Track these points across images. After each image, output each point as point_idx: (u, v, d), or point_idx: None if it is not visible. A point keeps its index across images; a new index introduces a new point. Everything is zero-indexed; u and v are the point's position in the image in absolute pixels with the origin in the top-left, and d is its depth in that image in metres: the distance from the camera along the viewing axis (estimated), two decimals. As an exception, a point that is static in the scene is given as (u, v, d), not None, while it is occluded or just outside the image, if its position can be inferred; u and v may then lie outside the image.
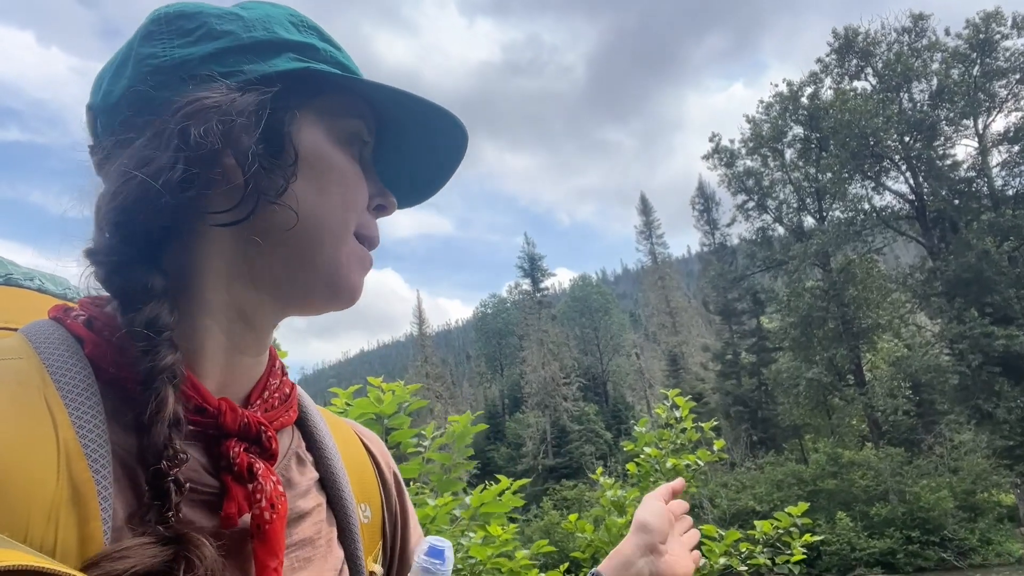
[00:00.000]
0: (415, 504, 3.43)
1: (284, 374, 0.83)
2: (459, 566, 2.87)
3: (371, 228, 0.79)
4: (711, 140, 42.96)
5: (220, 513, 0.65)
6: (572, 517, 4.55)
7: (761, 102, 41.55)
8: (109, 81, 0.72)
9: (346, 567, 0.80)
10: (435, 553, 0.73)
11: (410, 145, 0.84)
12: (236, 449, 0.68)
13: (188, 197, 0.65)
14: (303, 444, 0.83)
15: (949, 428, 32.77)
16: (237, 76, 0.70)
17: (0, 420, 0.57)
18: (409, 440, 3.34)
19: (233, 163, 0.67)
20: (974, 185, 34.73)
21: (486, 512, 3.05)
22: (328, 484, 0.82)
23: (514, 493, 3.39)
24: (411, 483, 3.55)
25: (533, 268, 67.15)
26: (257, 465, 0.68)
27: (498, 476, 3.54)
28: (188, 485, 0.62)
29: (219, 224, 0.68)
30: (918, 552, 26.49)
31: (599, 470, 5.33)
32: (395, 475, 0.95)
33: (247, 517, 0.66)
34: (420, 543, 0.75)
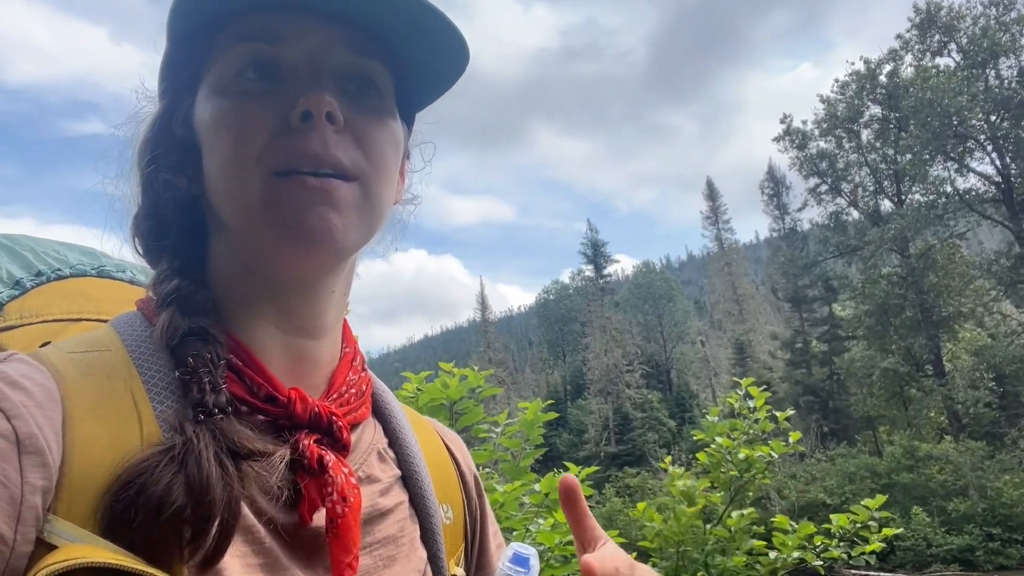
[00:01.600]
0: (485, 490, 3.47)
1: (364, 369, 0.82)
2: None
3: (292, 145, 0.65)
4: (782, 122, 41.65)
5: (297, 511, 0.65)
6: (640, 506, 4.52)
7: (836, 81, 40.04)
8: None
9: (429, 568, 0.78)
10: (520, 561, 0.70)
11: (383, 25, 0.70)
12: (306, 441, 0.66)
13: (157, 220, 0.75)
14: (385, 441, 0.82)
15: (1036, 422, 31.13)
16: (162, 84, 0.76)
17: (88, 412, 0.58)
18: (480, 426, 3.36)
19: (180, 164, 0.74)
20: (1068, 166, 32.69)
21: (556, 499, 3.05)
22: (410, 482, 0.80)
23: (582, 481, 3.38)
24: (481, 468, 3.57)
25: (596, 254, 66.67)
26: (328, 457, 0.66)
27: (565, 463, 3.54)
28: (256, 447, 0.62)
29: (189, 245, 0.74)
30: (999, 550, 25.36)
31: (667, 458, 5.28)
32: (475, 477, 0.93)
33: (322, 512, 0.65)
34: (505, 549, 0.72)
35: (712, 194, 65.10)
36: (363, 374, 0.81)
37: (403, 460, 0.81)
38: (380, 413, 0.84)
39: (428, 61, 0.74)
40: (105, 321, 0.80)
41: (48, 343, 0.72)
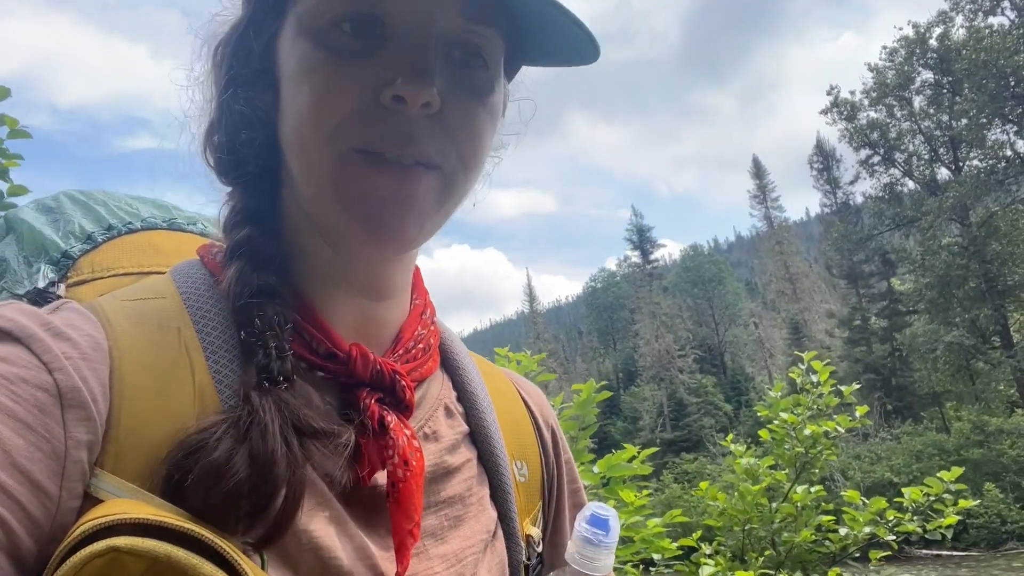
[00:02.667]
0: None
1: (433, 322, 0.79)
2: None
3: (374, 126, 0.60)
4: (829, 93, 40.52)
5: (356, 473, 0.62)
6: (703, 485, 4.46)
7: (884, 48, 38.76)
8: None
9: (499, 528, 0.74)
10: (598, 522, 0.65)
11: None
12: (367, 400, 0.64)
13: (231, 137, 0.68)
14: (453, 395, 0.78)
15: (1115, 391, 29.75)
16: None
17: (137, 364, 0.57)
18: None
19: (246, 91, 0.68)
20: None
21: (614, 476, 3.04)
22: (479, 439, 0.76)
23: (641, 462, 3.36)
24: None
25: (642, 240, 66.01)
26: (389, 418, 0.64)
27: (624, 444, 3.52)
28: (321, 427, 0.58)
29: (261, 173, 0.69)
30: (1081, 526, 24.34)
31: (729, 436, 5.21)
32: (554, 431, 0.88)
33: (383, 474, 0.63)
34: (583, 509, 0.67)
35: (759, 172, 63.75)
36: (432, 327, 0.78)
37: (472, 415, 0.77)
38: (449, 365, 0.81)
39: (549, 31, 0.65)
40: None
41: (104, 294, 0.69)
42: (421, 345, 0.74)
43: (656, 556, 3.10)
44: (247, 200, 0.69)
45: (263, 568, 0.53)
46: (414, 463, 0.63)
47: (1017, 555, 23.83)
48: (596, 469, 3.35)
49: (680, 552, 3.36)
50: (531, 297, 72.56)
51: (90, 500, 0.51)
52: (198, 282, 0.66)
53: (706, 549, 3.72)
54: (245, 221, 0.67)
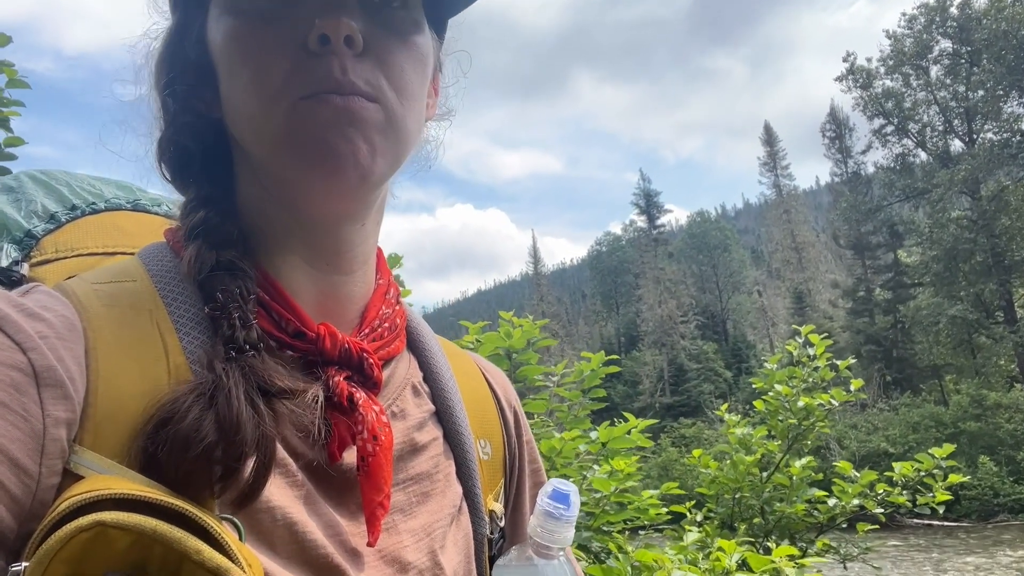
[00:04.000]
0: (540, 437, 3.51)
1: (398, 302, 0.80)
2: (583, 499, 2.93)
3: (312, 72, 0.62)
4: (845, 60, 39.86)
5: (326, 450, 0.64)
6: (696, 452, 4.52)
7: (903, 15, 37.98)
8: None
9: (465, 504, 0.77)
10: (559, 497, 0.69)
11: None
12: (336, 378, 0.65)
13: (176, 126, 0.70)
14: (420, 375, 0.80)
15: (1116, 369, 29.84)
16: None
17: (111, 343, 0.58)
18: (536, 377, 3.40)
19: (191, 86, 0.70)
20: None
21: (613, 447, 3.07)
22: (444, 417, 0.78)
23: (640, 432, 3.39)
24: (535, 416, 3.62)
25: (649, 205, 65.72)
26: (358, 395, 0.65)
27: (623, 413, 3.56)
28: (287, 385, 0.60)
29: (214, 169, 0.71)
30: (1072, 500, 24.65)
31: (724, 406, 5.25)
32: (516, 412, 0.91)
33: (353, 450, 0.64)
34: (545, 485, 0.70)
35: (770, 139, 63.07)
36: (397, 307, 0.79)
37: (438, 395, 0.79)
38: (415, 346, 0.82)
39: None
40: None
41: (73, 276, 0.70)
42: (387, 324, 0.75)
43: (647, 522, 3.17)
44: (200, 188, 0.71)
45: (241, 540, 0.54)
46: (383, 438, 0.64)
47: (1008, 527, 24.18)
48: (595, 435, 3.39)
49: (670, 517, 3.44)
50: (536, 259, 72.56)
51: (70, 476, 0.52)
52: (166, 264, 0.67)
53: (695, 516, 3.79)
54: (200, 205, 0.68)
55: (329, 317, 0.70)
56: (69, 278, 0.68)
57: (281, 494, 0.60)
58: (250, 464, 0.55)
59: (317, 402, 0.62)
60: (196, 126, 0.70)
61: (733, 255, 68.18)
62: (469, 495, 0.77)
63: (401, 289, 0.86)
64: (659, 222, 66.25)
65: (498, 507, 0.82)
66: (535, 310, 62.38)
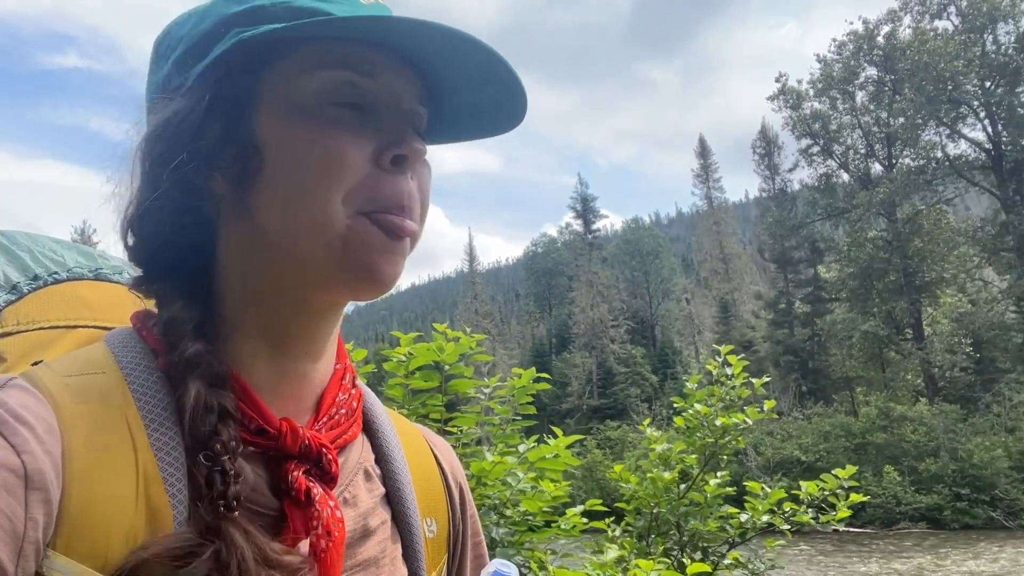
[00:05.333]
0: (471, 457, 3.56)
1: (354, 385, 0.81)
2: (514, 517, 3.00)
3: (382, 188, 0.66)
4: (777, 80, 41.32)
5: (281, 537, 0.65)
6: (618, 468, 4.66)
7: (834, 40, 39.66)
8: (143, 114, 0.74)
9: None
10: None
11: (447, 72, 0.71)
12: (295, 472, 0.67)
13: (178, 224, 0.68)
14: (372, 457, 0.81)
15: (1009, 387, 31.85)
16: (188, 81, 0.67)
17: (84, 444, 0.58)
18: (468, 391, 3.43)
19: (203, 174, 0.67)
20: (1058, 135, 32.74)
21: (542, 467, 3.15)
22: (394, 500, 0.80)
23: (567, 448, 3.44)
24: (462, 430, 3.66)
25: (585, 209, 66.55)
26: (315, 490, 0.67)
27: (553, 428, 3.63)
28: (251, 506, 0.62)
29: (232, 241, 0.69)
30: (966, 510, 26.19)
31: (646, 421, 5.42)
32: (462, 488, 0.93)
33: (306, 543, 0.66)
34: (487, 566, 0.73)
35: (704, 152, 64.78)
36: (353, 391, 0.80)
37: (389, 477, 0.81)
38: (368, 427, 0.84)
39: (475, 111, 0.77)
40: (102, 328, 0.81)
41: (39, 362, 0.70)
42: (344, 410, 0.76)
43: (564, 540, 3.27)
44: (189, 291, 0.69)
45: None
46: (336, 533, 0.66)
47: (908, 534, 25.56)
48: (523, 448, 3.45)
49: (586, 525, 3.54)
50: (471, 256, 72.48)
51: None
52: (137, 357, 0.67)
53: (614, 532, 3.92)
54: (195, 333, 0.66)
55: (287, 403, 0.71)
56: (36, 363, 0.67)
57: None
58: None
59: (301, 571, 0.62)
60: (195, 204, 0.68)
61: (664, 263, 69.71)
62: None
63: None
64: (595, 227, 67.18)
65: None
66: (468, 308, 62.36)
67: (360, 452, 0.79)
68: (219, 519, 0.59)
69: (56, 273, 0.88)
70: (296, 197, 0.65)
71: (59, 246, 0.94)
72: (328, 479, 0.69)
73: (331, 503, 0.67)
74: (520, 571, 0.74)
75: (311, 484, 0.66)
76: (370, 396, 0.86)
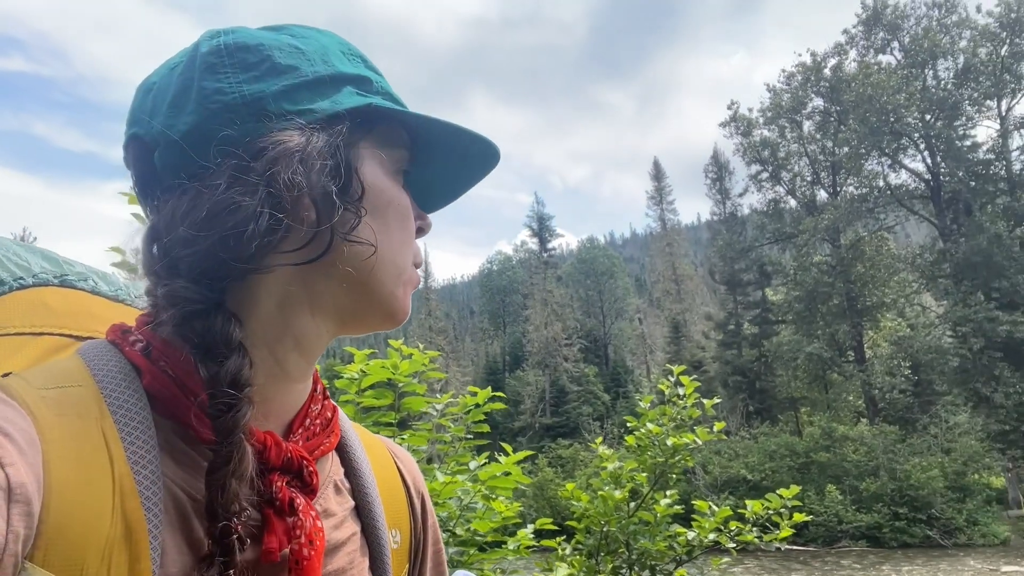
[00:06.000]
0: (424, 474, 3.55)
1: (326, 397, 0.83)
2: (463, 536, 3.00)
3: (416, 248, 0.81)
4: (729, 108, 42.43)
5: (261, 546, 0.67)
6: (569, 486, 4.69)
7: (783, 71, 40.95)
8: (168, 114, 0.67)
9: None
10: None
11: (439, 163, 0.84)
12: (279, 483, 0.69)
13: (269, 241, 0.65)
14: (342, 471, 0.84)
15: (945, 409, 33.03)
16: (308, 115, 0.69)
17: (62, 456, 0.58)
18: (422, 409, 3.42)
19: (309, 203, 0.68)
20: (992, 168, 34.30)
21: (493, 485, 3.16)
22: (363, 513, 0.82)
23: (517, 463, 3.47)
24: (412, 449, 3.64)
25: (541, 228, 66.96)
26: (298, 500, 0.69)
27: (503, 445, 3.65)
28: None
29: (294, 263, 0.68)
30: (904, 528, 26.92)
31: (598, 440, 5.47)
32: (423, 498, 0.96)
33: (286, 551, 0.68)
34: (453, 574, 0.77)
35: (658, 175, 65.96)
36: (326, 403, 0.82)
37: (358, 491, 0.83)
38: (338, 442, 0.85)
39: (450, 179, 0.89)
40: (66, 335, 0.81)
41: (8, 374, 0.68)
42: (319, 421, 0.78)
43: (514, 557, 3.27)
44: (227, 321, 0.66)
45: None
46: (318, 543, 0.68)
47: (848, 552, 26.15)
48: (473, 465, 3.45)
49: (534, 543, 3.55)
50: (426, 272, 72.11)
51: None
52: (113, 371, 0.66)
53: (564, 551, 3.94)
54: (240, 381, 0.64)
55: (271, 419, 0.73)
56: (5, 375, 0.66)
57: None
58: None
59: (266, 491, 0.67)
60: (255, 231, 0.65)
61: (618, 282, 70.52)
62: None
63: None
64: (550, 245, 67.62)
65: None
66: (423, 324, 61.95)
67: (331, 465, 0.82)
68: None
69: (21, 279, 0.86)
70: (390, 246, 0.76)
71: (24, 250, 0.92)
72: (309, 490, 0.71)
73: (313, 513, 0.69)
74: None
75: (294, 495, 0.68)
76: (339, 410, 0.88)
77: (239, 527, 0.62)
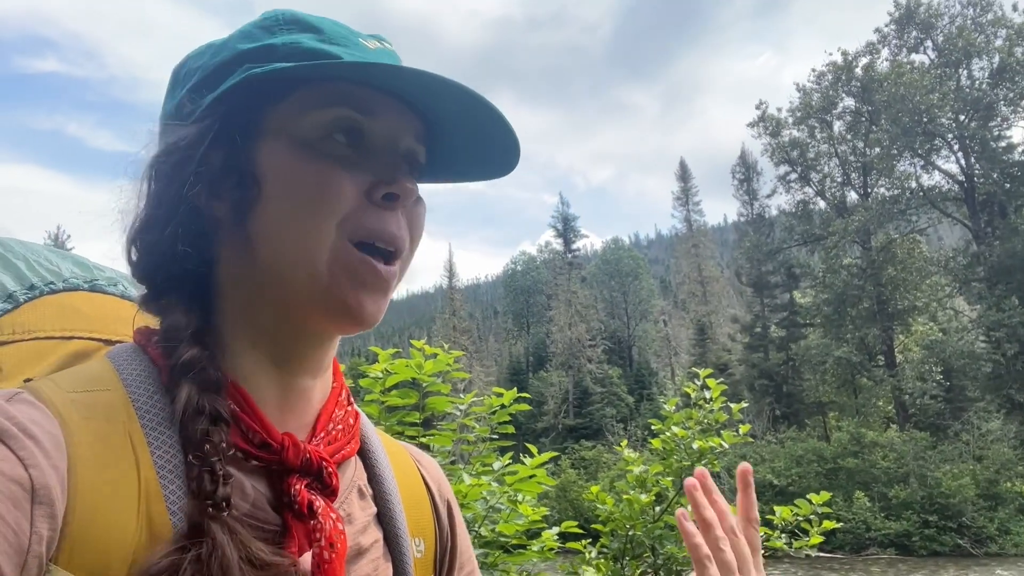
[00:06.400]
0: (448, 476, 3.53)
1: (350, 403, 0.83)
2: (487, 537, 2.97)
3: (372, 223, 0.69)
4: (758, 108, 42.00)
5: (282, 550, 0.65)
6: (594, 489, 4.64)
7: (813, 70, 40.43)
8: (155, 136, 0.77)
9: None
10: None
11: (446, 117, 0.75)
12: (297, 486, 0.68)
13: (192, 241, 0.70)
14: (365, 476, 0.83)
15: (978, 416, 32.34)
16: (197, 110, 0.71)
17: (88, 460, 0.59)
18: (446, 409, 3.40)
19: (209, 199, 0.70)
20: (1028, 169, 33.55)
21: (518, 489, 3.13)
22: (385, 520, 0.81)
23: (541, 465, 3.44)
24: (435, 450, 3.62)
25: (566, 228, 66.83)
26: (318, 503, 0.68)
27: (528, 446, 3.62)
28: (253, 521, 0.64)
29: (197, 264, 0.71)
30: (934, 536, 26.45)
31: (623, 443, 5.41)
32: (449, 505, 0.94)
33: (308, 556, 0.66)
34: None
35: (684, 175, 65.48)
36: (349, 408, 0.82)
37: (380, 497, 0.82)
38: (361, 447, 0.85)
39: (474, 153, 0.80)
40: (96, 339, 0.82)
41: (31, 379, 0.70)
42: (340, 426, 0.78)
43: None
44: (188, 302, 0.71)
45: None
46: (339, 546, 0.67)
47: (876, 560, 25.73)
48: (497, 465, 3.43)
49: (559, 546, 3.51)
50: (451, 272, 72.34)
51: None
52: (141, 374, 0.68)
53: (590, 553, 3.90)
54: (192, 340, 0.68)
55: (288, 418, 0.73)
56: (27, 381, 0.68)
57: None
58: None
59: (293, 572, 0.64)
60: (198, 224, 0.71)
61: (643, 283, 70.12)
62: None
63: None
64: (575, 246, 67.44)
65: None
66: (447, 324, 62.15)
67: (354, 470, 0.81)
68: (204, 518, 0.59)
69: (52, 283, 0.87)
70: (288, 227, 0.68)
71: (54, 256, 0.93)
72: (329, 492, 0.71)
73: (333, 515, 0.69)
74: None
75: (313, 497, 0.68)
76: (362, 416, 0.87)
77: (213, 459, 0.61)
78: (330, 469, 0.71)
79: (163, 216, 0.71)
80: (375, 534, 0.79)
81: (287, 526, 0.66)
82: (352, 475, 0.80)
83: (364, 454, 0.85)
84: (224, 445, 0.63)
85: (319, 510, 0.67)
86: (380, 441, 0.89)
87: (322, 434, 0.75)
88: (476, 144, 0.79)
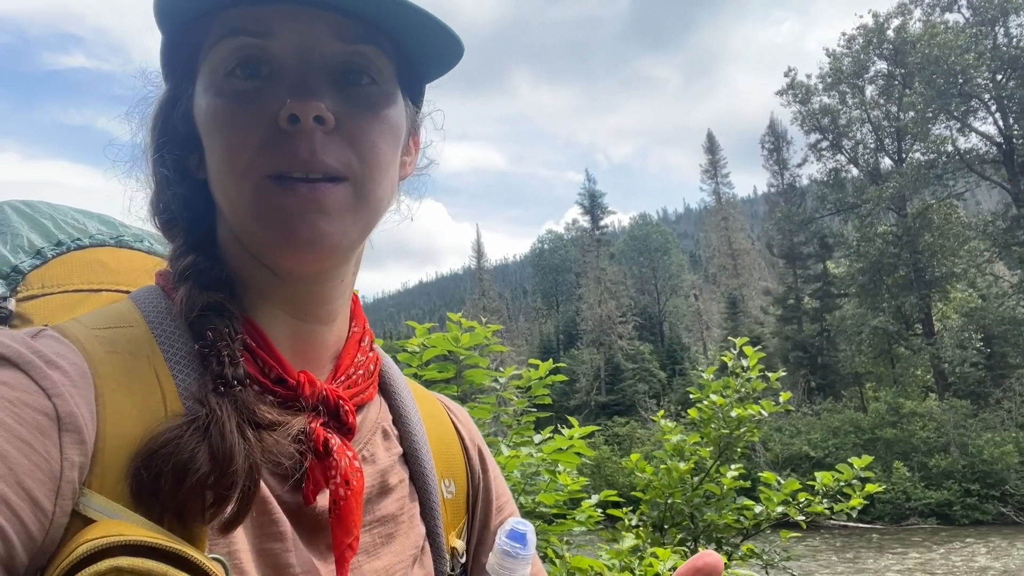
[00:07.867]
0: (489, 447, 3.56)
1: (372, 349, 0.83)
2: (527, 507, 3.00)
3: (282, 150, 0.65)
4: (786, 75, 41.07)
5: (301, 492, 0.68)
6: (634, 457, 4.65)
7: (843, 34, 39.43)
8: None
9: (427, 543, 0.81)
10: (516, 536, 0.72)
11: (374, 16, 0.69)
12: (313, 424, 0.69)
13: (172, 198, 0.76)
14: (390, 418, 0.84)
15: (1020, 382, 31.67)
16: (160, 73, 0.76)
17: (115, 389, 0.61)
18: (484, 381, 3.43)
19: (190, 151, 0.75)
20: (1071, 128, 32.47)
21: (555, 459, 3.15)
22: (411, 459, 0.82)
23: (581, 438, 3.44)
24: (486, 432, 3.66)
25: (593, 205, 66.39)
26: (333, 441, 0.69)
27: (569, 418, 3.63)
28: (274, 419, 0.65)
29: (201, 222, 0.76)
30: (976, 505, 26.09)
31: (660, 412, 5.41)
32: (480, 451, 0.94)
33: (326, 494, 0.68)
34: (504, 523, 0.73)
35: (712, 147, 64.51)
36: (371, 354, 0.82)
37: (406, 437, 0.83)
38: (386, 390, 0.86)
39: (427, 40, 0.72)
40: (124, 292, 0.85)
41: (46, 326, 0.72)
42: (361, 372, 0.79)
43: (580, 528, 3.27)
44: (188, 236, 0.75)
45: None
46: (355, 483, 0.69)
47: (917, 530, 25.46)
48: (537, 438, 3.45)
49: (603, 518, 3.54)
50: (479, 253, 72.46)
51: (78, 517, 0.56)
52: (160, 309, 0.70)
53: (630, 520, 3.92)
54: (189, 250, 0.73)
55: (306, 363, 0.74)
56: (60, 321, 0.69)
57: (265, 535, 0.64)
58: (238, 491, 0.59)
59: (299, 429, 0.66)
60: (184, 191, 0.75)
61: (672, 259, 69.52)
62: (432, 535, 0.81)
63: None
64: (602, 223, 67.01)
65: (460, 544, 0.85)
66: (476, 304, 62.37)
67: (378, 412, 0.82)
68: (206, 392, 0.62)
69: (79, 239, 0.91)
70: (219, 176, 0.69)
71: (80, 214, 0.97)
72: (345, 431, 0.71)
73: (349, 454, 0.69)
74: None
75: (329, 435, 0.68)
76: (387, 359, 0.89)
77: (219, 343, 0.64)
78: (347, 408, 0.72)
79: (159, 183, 0.76)
80: (401, 474, 0.80)
81: (307, 469, 0.67)
82: (377, 416, 0.81)
83: (389, 395, 0.86)
84: (228, 330, 0.66)
85: (334, 448, 0.68)
86: (407, 384, 0.90)
87: (342, 378, 0.77)
88: (413, 39, 0.72)
